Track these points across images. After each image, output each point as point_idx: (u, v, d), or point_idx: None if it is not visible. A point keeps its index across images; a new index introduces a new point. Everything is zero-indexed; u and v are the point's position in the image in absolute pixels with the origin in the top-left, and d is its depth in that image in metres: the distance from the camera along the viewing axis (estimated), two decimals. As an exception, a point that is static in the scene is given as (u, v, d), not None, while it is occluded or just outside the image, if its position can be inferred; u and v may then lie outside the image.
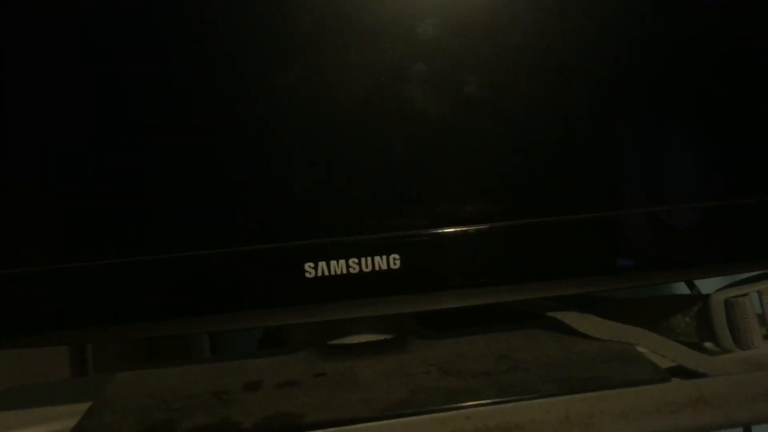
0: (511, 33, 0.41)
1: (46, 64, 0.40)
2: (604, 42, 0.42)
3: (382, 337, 0.43)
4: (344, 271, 0.40)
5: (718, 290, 0.43)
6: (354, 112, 0.41)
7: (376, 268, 0.40)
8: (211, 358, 0.45)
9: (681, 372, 0.36)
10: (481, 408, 0.33)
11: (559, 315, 0.43)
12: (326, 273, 0.40)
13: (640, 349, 0.39)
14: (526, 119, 0.42)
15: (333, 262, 0.40)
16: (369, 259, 0.40)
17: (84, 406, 0.40)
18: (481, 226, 0.41)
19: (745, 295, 0.42)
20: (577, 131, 0.42)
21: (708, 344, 0.43)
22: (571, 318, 0.42)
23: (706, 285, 0.47)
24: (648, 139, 0.43)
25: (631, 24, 0.42)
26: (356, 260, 0.40)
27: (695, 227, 0.43)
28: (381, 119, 0.41)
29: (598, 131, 0.43)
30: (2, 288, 0.39)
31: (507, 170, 0.41)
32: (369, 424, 0.32)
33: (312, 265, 0.40)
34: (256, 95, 0.40)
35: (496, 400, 0.33)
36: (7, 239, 0.40)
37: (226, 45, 0.40)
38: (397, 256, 0.40)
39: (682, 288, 0.50)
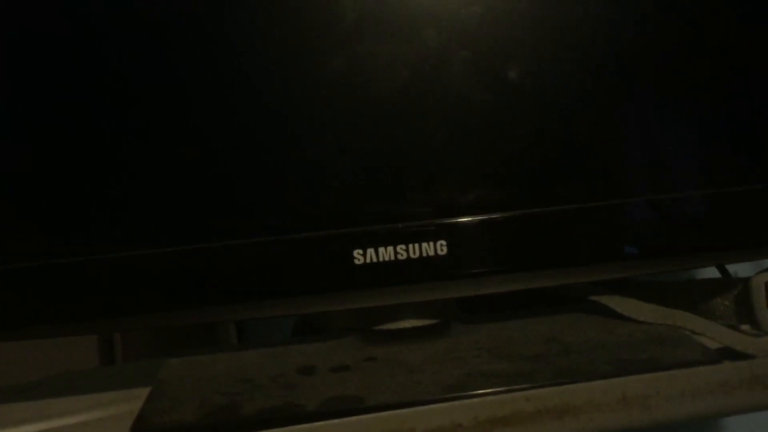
0: (552, 21, 0.42)
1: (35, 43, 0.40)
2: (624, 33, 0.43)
3: (426, 322, 0.43)
4: (392, 258, 0.40)
5: (758, 273, 0.43)
6: (400, 99, 0.41)
7: (424, 254, 0.41)
8: (254, 344, 0.45)
9: (728, 354, 0.37)
10: (540, 390, 0.33)
11: (603, 299, 0.43)
12: (375, 260, 0.40)
13: (686, 331, 0.40)
14: (564, 108, 0.43)
15: (381, 249, 0.40)
16: (416, 245, 0.41)
17: (132, 392, 0.41)
18: (525, 212, 0.42)
19: (785, 278, 0.42)
20: (616, 119, 0.43)
21: (745, 327, 0.44)
22: (614, 301, 0.43)
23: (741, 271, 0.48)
24: (675, 124, 0.44)
25: (642, 16, 0.43)
26: (404, 247, 0.41)
27: (725, 212, 0.43)
28: (427, 107, 0.42)
29: (635, 119, 0.43)
30: (34, 279, 0.39)
31: (552, 157, 0.42)
32: (430, 407, 0.33)
33: (361, 252, 0.40)
34: (303, 83, 0.41)
35: (555, 381, 0.34)
36: (38, 231, 0.40)
37: (271, 33, 0.41)
38: (444, 243, 0.41)
39: (713, 273, 0.51)
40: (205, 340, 0.70)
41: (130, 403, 0.39)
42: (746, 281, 0.43)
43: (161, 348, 0.67)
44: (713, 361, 0.35)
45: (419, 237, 0.41)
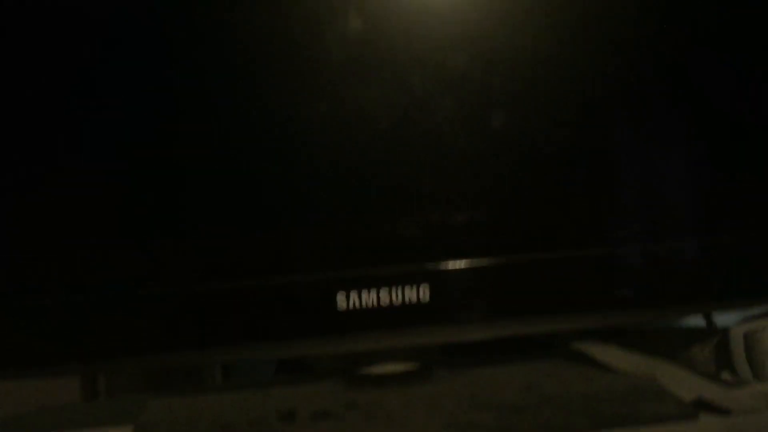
0: (534, 70, 0.43)
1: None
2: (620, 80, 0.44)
3: (408, 366, 0.43)
4: (375, 302, 0.41)
5: (738, 324, 0.44)
6: (383, 145, 0.42)
7: (406, 299, 0.41)
8: (237, 383, 0.45)
9: (704, 407, 0.37)
10: (518, 442, 0.34)
11: (582, 346, 0.44)
12: (357, 304, 0.41)
13: (664, 382, 0.40)
14: (551, 155, 0.43)
15: (364, 293, 0.41)
16: (399, 290, 0.41)
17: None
18: (509, 259, 0.42)
19: (763, 329, 0.43)
20: (592, 170, 0.44)
21: (725, 375, 0.44)
22: (594, 349, 0.43)
23: (722, 319, 0.49)
24: (662, 175, 0.44)
25: (632, 61, 0.44)
26: (387, 291, 0.41)
27: (711, 262, 0.44)
28: (410, 152, 0.42)
29: (621, 168, 0.44)
30: (18, 319, 0.39)
31: (535, 205, 0.43)
32: (409, 458, 0.33)
33: (344, 295, 0.41)
34: (287, 126, 0.41)
35: (533, 434, 0.34)
36: (21, 270, 0.40)
37: (259, 79, 0.41)
38: (426, 288, 0.41)
39: (698, 321, 0.52)
40: (191, 375, 0.70)
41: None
42: (726, 331, 0.44)
43: (146, 382, 0.67)
44: (688, 415, 0.35)
45: (402, 282, 0.41)
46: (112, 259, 0.40)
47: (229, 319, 0.40)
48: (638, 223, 0.44)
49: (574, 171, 0.43)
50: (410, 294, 0.41)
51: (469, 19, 0.42)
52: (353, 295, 0.41)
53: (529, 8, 0.42)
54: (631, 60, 0.44)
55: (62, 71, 0.40)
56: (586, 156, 0.43)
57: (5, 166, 0.40)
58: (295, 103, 0.41)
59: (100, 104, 0.40)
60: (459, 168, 0.42)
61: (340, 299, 0.41)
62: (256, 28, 0.41)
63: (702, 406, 0.37)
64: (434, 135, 0.42)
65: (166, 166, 0.41)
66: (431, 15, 0.42)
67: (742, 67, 0.44)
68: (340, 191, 0.42)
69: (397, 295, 0.41)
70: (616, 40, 0.43)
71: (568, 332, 0.46)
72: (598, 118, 0.43)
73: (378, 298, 0.41)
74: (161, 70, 0.40)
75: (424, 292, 0.41)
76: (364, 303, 0.41)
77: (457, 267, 0.42)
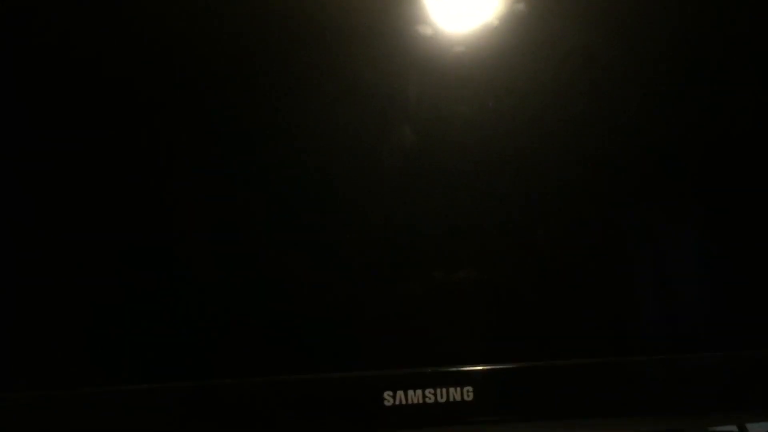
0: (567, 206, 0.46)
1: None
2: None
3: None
4: (420, 401, 0.42)
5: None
6: (423, 255, 0.45)
7: (451, 399, 0.43)
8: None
9: None
10: None
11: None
12: (404, 402, 0.42)
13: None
14: (589, 272, 0.46)
15: (410, 392, 0.43)
16: (444, 390, 0.43)
17: None
18: (548, 363, 0.44)
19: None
20: (628, 285, 0.46)
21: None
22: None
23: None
24: (698, 286, 0.46)
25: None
26: (432, 390, 0.43)
27: (748, 374, 0.45)
28: (451, 265, 0.45)
29: (653, 280, 0.46)
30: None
31: (577, 314, 0.45)
32: None
33: (391, 393, 0.42)
34: (344, 240, 0.45)
35: None
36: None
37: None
38: (470, 389, 0.43)
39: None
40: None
41: None
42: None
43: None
44: None
45: (447, 382, 0.43)
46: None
47: (279, 413, 0.42)
48: (671, 333, 0.45)
49: (610, 286, 0.45)
50: (454, 394, 0.43)
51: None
52: (399, 394, 0.42)
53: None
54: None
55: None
56: (623, 272, 0.46)
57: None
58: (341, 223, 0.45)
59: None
60: (498, 282, 0.45)
61: (387, 397, 0.42)
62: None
63: None
64: (473, 253, 0.45)
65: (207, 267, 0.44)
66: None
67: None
68: (392, 301, 0.44)
69: (441, 395, 0.43)
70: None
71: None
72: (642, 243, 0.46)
73: (423, 396, 0.43)
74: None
75: (468, 393, 0.43)
76: (409, 400, 0.42)
77: (500, 369, 0.43)
